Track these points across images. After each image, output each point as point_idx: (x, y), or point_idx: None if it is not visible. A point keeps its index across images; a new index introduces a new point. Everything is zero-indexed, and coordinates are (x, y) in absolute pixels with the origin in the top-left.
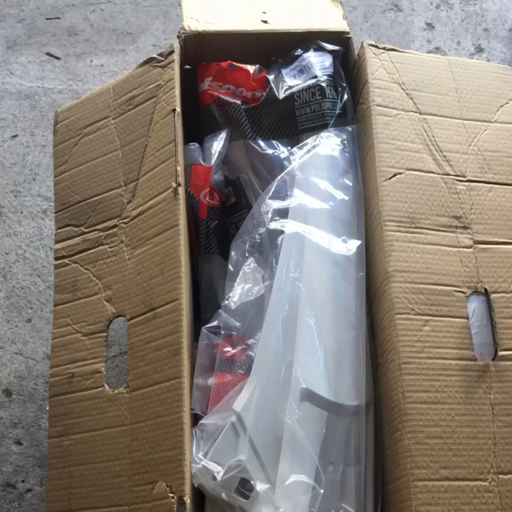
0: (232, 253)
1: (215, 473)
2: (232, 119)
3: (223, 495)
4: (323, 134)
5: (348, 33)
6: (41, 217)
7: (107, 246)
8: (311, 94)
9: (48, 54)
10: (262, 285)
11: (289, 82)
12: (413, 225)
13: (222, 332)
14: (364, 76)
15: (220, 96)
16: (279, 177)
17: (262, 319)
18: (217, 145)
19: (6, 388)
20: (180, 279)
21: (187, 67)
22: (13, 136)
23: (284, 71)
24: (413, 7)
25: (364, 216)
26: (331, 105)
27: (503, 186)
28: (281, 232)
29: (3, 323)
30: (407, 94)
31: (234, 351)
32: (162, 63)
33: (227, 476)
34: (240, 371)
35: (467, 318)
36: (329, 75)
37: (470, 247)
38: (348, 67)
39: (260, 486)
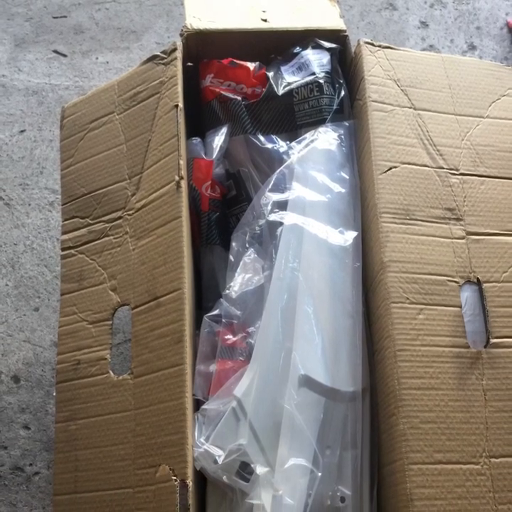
0: (233, 244)
1: (217, 457)
2: (232, 115)
3: (224, 478)
4: (321, 129)
5: (345, 31)
6: (48, 209)
7: (111, 237)
8: (310, 90)
9: (55, 51)
10: (262, 275)
11: (288, 79)
12: (408, 217)
13: (224, 320)
14: (360, 73)
15: (221, 92)
16: (278, 170)
17: (262, 308)
18: (219, 139)
19: (14, 375)
20: (182, 269)
21: (189, 64)
22: (21, 131)
23: (283, 68)
24: (408, 6)
25: (360, 208)
26: (329, 101)
27: (495, 179)
28: (281, 223)
29: (11, 311)
30: (402, 90)
31: (235, 339)
32: (165, 60)
33: (228, 460)
34: (241, 358)
35: (460, 306)
36: (327, 72)
37: (463, 238)
38: (345, 64)
39: (260, 469)
